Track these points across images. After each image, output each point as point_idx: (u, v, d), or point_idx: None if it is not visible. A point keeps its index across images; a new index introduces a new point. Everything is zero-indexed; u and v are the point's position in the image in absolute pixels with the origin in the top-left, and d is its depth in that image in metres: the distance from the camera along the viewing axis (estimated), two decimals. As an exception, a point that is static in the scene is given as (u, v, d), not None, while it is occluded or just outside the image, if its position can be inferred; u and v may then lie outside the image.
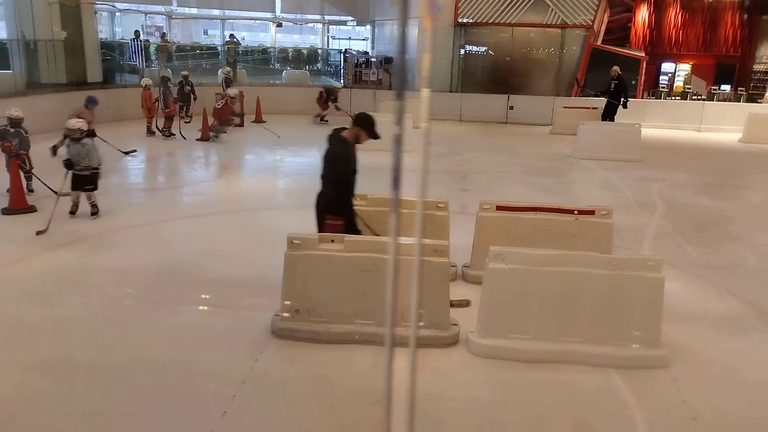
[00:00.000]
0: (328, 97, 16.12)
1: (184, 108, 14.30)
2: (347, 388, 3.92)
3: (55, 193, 8.02)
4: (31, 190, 7.95)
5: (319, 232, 4.75)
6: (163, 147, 12.34)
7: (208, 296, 5.38)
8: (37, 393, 3.78)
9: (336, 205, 4.87)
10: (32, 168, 8.05)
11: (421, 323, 4.36)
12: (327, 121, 15.45)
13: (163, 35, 20.67)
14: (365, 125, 4.96)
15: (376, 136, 4.92)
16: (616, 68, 14.65)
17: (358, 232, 4.93)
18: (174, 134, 12.98)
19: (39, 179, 7.98)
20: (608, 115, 14.59)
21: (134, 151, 10.67)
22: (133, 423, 3.54)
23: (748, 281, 5.99)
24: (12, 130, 7.67)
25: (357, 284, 4.35)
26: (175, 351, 4.32)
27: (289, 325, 4.46)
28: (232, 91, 13.61)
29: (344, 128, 5.07)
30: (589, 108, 15.08)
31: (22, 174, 7.66)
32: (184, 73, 15.29)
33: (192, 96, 14.53)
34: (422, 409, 3.62)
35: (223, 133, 13.06)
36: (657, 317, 4.26)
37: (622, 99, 14.54)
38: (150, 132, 13.20)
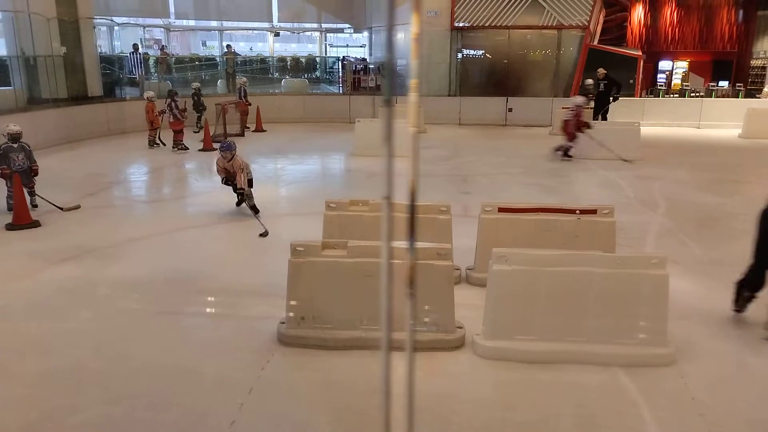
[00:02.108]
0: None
1: (198, 119, 14.54)
2: (355, 394, 3.92)
3: (60, 208, 8.07)
4: (35, 206, 7.99)
5: None
6: (167, 158, 12.39)
7: (213, 305, 5.39)
8: (48, 404, 3.80)
9: None
10: (34, 185, 8.06)
11: (426, 327, 4.38)
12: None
13: (162, 48, 20.78)
14: None
15: None
16: (602, 70, 14.74)
17: None
18: (188, 148, 12.97)
19: (41, 197, 8.02)
20: (597, 112, 14.67)
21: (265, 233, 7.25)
22: (143, 433, 3.56)
23: (753, 276, 5.98)
24: (15, 145, 7.73)
25: (361, 290, 4.36)
26: (183, 360, 4.34)
27: (295, 333, 4.47)
28: (579, 99, 12.21)
29: None
30: (587, 108, 15.10)
31: (25, 190, 7.70)
32: (197, 84, 15.54)
33: (203, 107, 14.85)
34: (430, 411, 3.64)
35: (567, 154, 11.79)
36: (663, 315, 4.27)
37: (612, 95, 14.67)
38: (153, 144, 13.22)
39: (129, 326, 4.90)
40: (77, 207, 8.19)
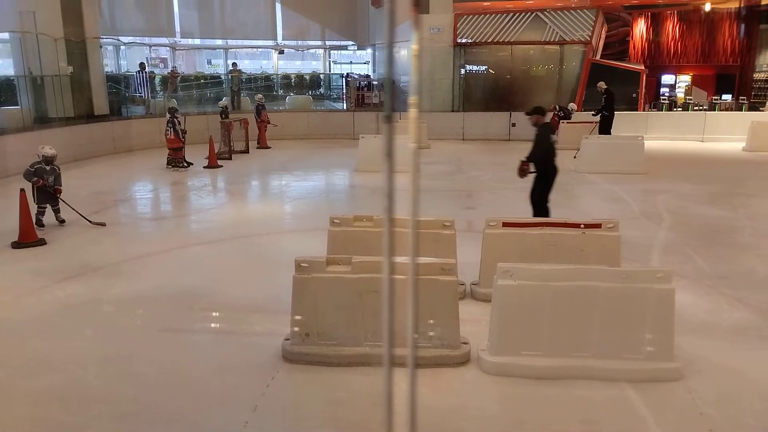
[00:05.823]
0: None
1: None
2: (360, 411, 3.90)
3: (90, 222, 8.30)
4: (41, 225, 8.05)
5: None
6: (171, 176, 12.46)
7: (218, 322, 5.39)
8: (52, 422, 3.80)
9: None
10: (59, 203, 8.27)
11: (431, 343, 4.35)
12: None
13: (173, 69, 21.01)
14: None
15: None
16: (602, 83, 14.81)
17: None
18: (188, 165, 13.00)
19: (72, 208, 8.24)
20: (605, 128, 14.69)
21: None
22: (147, 452, 3.54)
23: (759, 290, 5.94)
24: (48, 167, 8.06)
25: (366, 306, 4.35)
26: (187, 378, 4.33)
27: (300, 349, 4.46)
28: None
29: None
30: (591, 123, 15.16)
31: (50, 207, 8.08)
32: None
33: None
34: (435, 427, 3.61)
35: None
36: (669, 329, 4.23)
37: (595, 113, 14.84)
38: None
39: (133, 343, 4.89)
40: (103, 224, 8.35)
